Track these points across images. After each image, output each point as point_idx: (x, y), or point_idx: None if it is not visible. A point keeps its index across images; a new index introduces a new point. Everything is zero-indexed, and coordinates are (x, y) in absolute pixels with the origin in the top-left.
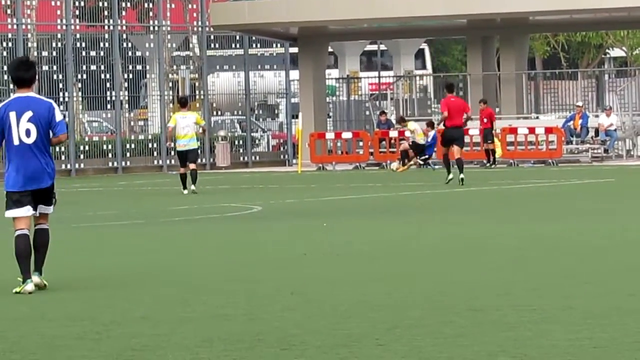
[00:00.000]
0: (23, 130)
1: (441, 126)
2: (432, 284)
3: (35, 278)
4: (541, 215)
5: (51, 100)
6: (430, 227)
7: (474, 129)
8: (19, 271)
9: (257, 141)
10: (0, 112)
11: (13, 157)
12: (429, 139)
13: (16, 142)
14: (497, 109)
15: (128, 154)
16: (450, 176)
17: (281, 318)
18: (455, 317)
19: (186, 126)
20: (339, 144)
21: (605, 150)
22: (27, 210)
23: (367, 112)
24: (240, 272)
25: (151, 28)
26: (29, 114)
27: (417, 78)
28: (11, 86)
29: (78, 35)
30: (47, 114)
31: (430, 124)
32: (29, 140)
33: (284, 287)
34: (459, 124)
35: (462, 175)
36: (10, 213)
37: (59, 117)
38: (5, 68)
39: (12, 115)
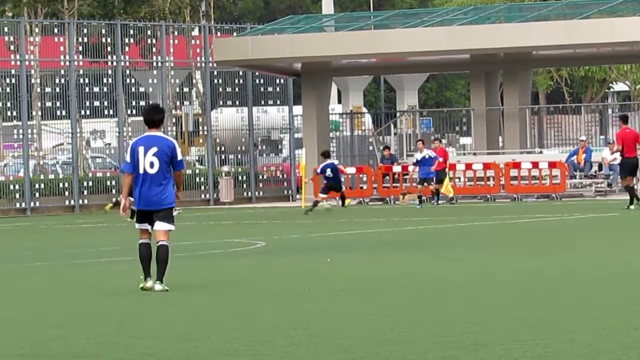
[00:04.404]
0: (148, 162)
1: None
2: (436, 319)
3: (157, 286)
4: (544, 250)
5: (174, 140)
6: (433, 262)
7: (477, 164)
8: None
9: (261, 177)
10: (132, 147)
11: (139, 182)
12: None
13: (141, 171)
14: (500, 144)
15: None
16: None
17: (285, 354)
18: (459, 352)
19: None
20: (342, 179)
21: (609, 185)
22: (146, 226)
23: (371, 147)
24: (244, 307)
25: (154, 64)
26: (154, 149)
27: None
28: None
29: (81, 71)
30: (168, 151)
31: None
32: (152, 171)
33: (287, 322)
34: (634, 154)
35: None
36: (137, 225)
37: (179, 156)
38: (9, 104)
39: (141, 150)
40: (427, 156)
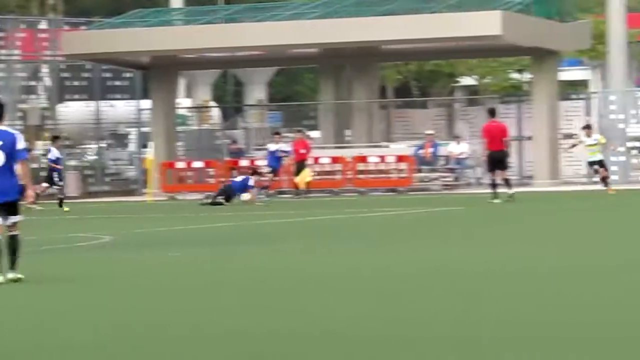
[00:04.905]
0: None
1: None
2: (285, 314)
3: (9, 275)
4: (391, 245)
5: (17, 132)
6: (286, 256)
7: (325, 158)
8: None
9: (105, 170)
10: None
11: None
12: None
13: None
14: (348, 138)
15: None
16: (496, 200)
17: (133, 349)
18: (306, 347)
19: None
20: (189, 173)
21: (456, 179)
22: None
23: (218, 141)
24: (90, 301)
25: (1, 57)
26: None
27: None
28: None
29: None
30: (12, 143)
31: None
32: None
33: (133, 317)
34: (500, 148)
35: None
36: None
37: (20, 145)
38: None
39: None
40: (280, 149)
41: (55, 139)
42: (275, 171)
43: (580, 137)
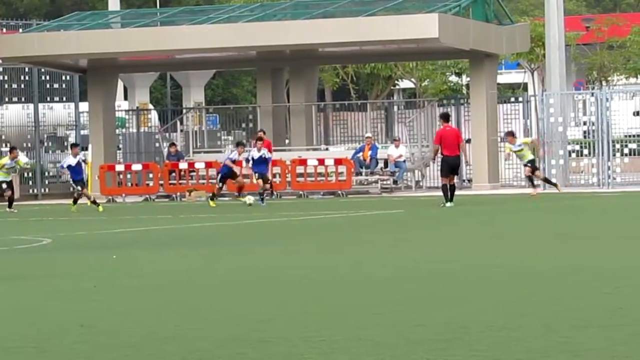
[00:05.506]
0: None
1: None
2: (222, 316)
3: None
4: (330, 247)
5: None
6: (219, 258)
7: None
8: None
9: (47, 173)
10: None
11: None
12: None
13: None
14: (286, 141)
15: None
16: (449, 204)
17: (71, 351)
18: (246, 349)
19: None
20: (129, 176)
21: (395, 182)
22: None
23: (157, 144)
24: (28, 304)
25: None
26: None
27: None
28: None
29: None
30: None
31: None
32: None
33: (73, 319)
34: (456, 153)
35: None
36: None
37: None
38: None
39: None
40: (263, 156)
41: (74, 146)
42: (264, 177)
43: (506, 146)
